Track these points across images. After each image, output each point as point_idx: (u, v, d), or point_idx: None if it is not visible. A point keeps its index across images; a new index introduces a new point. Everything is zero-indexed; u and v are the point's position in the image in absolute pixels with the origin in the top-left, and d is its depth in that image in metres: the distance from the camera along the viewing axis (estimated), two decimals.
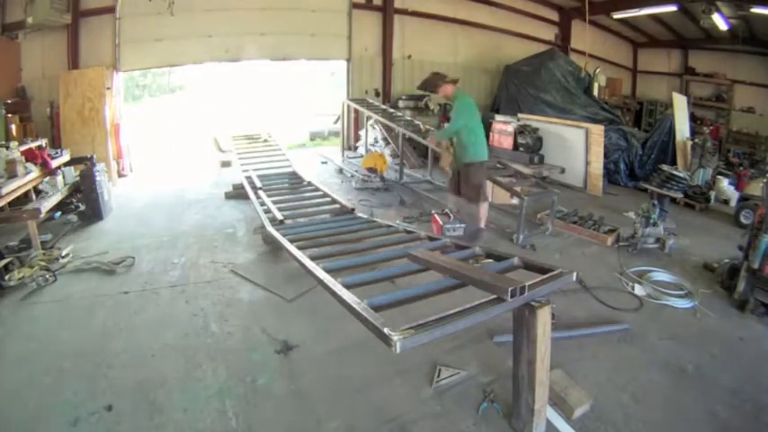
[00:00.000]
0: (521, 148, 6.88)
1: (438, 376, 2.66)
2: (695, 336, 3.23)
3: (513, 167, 5.87)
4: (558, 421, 2.35)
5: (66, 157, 5.87)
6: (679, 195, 5.92)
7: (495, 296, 1.92)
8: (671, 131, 7.42)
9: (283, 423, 2.35)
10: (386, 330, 1.68)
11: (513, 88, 9.35)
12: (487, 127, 7.52)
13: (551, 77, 8.84)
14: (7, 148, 4.89)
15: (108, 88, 7.03)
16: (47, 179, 5.20)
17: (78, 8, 7.01)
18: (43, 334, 3.08)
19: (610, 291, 3.83)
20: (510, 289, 1.85)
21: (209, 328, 3.18)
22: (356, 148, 9.55)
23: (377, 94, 9.70)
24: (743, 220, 5.51)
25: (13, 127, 5.93)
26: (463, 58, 10.60)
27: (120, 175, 7.31)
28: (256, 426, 2.32)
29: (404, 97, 9.49)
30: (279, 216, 4.12)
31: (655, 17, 11.00)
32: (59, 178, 5.32)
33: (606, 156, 7.26)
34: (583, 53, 10.22)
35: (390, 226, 3.88)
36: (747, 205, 5.61)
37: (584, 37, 10.42)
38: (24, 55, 6.91)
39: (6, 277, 3.65)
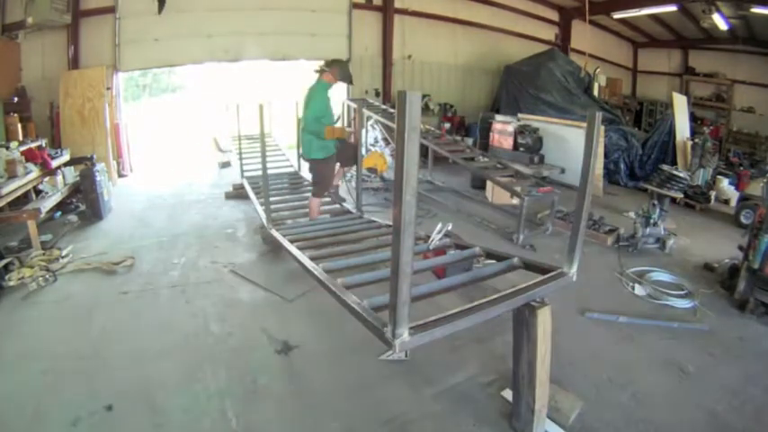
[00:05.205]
0: (521, 149, 6.87)
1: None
2: (695, 336, 3.22)
3: (513, 167, 5.87)
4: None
5: (66, 157, 5.87)
6: (679, 195, 5.90)
7: (494, 296, 1.91)
8: (671, 131, 7.41)
9: (283, 423, 2.35)
10: (386, 330, 1.67)
11: (513, 88, 9.33)
12: (488, 127, 7.54)
13: (551, 77, 8.83)
14: (7, 148, 4.90)
15: (108, 88, 7.03)
16: (47, 179, 5.21)
17: (78, 8, 6.98)
18: (43, 334, 3.08)
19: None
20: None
21: (210, 329, 3.18)
22: None
23: (377, 94, 9.68)
24: (743, 220, 5.50)
25: (19, 127, 5.92)
26: (463, 58, 10.58)
27: (120, 175, 7.31)
28: (256, 426, 2.32)
29: None
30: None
31: (655, 17, 10.98)
32: (59, 178, 5.32)
33: (606, 156, 7.26)
34: (583, 53, 10.21)
35: (390, 226, 3.88)
36: (747, 205, 5.60)
37: (584, 37, 10.42)
38: (24, 55, 6.88)
39: (6, 277, 3.65)
